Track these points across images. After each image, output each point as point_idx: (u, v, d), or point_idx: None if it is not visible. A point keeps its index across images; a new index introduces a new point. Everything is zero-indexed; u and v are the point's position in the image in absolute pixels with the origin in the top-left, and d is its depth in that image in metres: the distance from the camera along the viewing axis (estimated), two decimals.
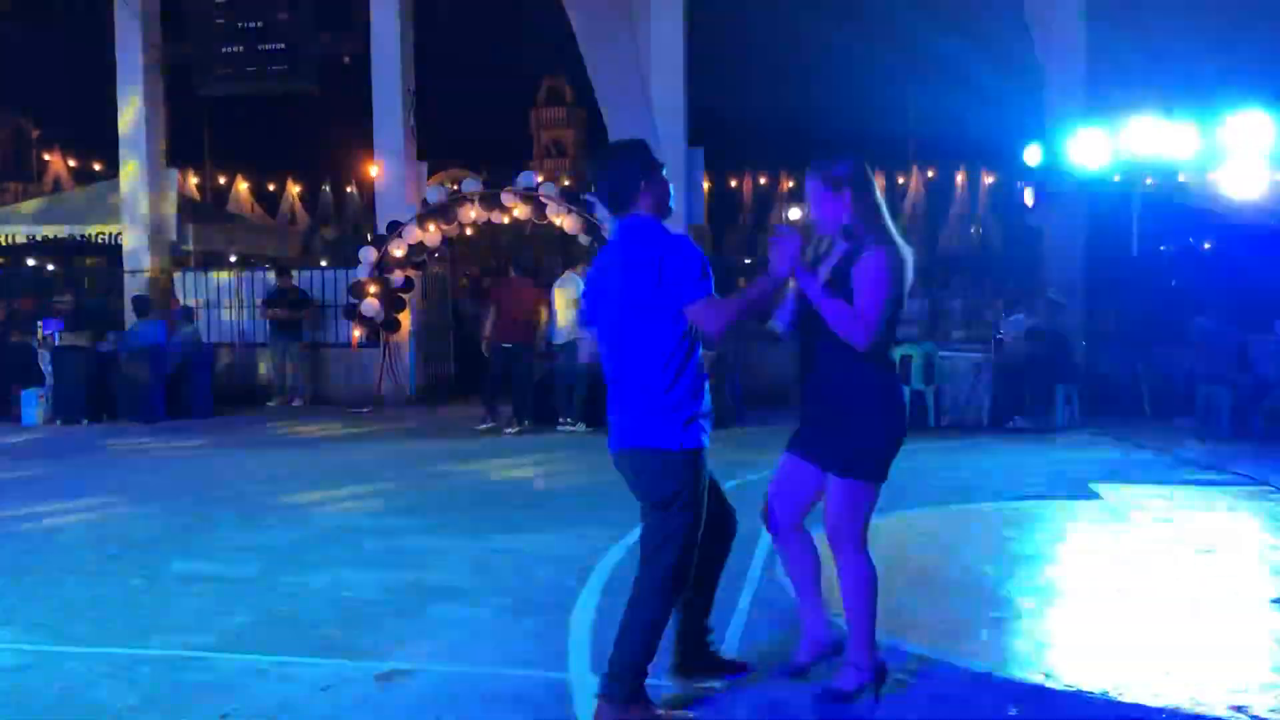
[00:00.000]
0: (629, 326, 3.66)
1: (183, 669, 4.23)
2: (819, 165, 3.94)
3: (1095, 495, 7.66)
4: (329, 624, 4.79)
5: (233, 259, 18.81)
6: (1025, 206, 14.72)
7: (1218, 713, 3.74)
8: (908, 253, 3.84)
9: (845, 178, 3.84)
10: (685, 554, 3.68)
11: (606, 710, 3.61)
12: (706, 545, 3.84)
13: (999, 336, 11.58)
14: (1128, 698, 3.87)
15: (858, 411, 3.78)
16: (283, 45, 15.52)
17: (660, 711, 3.67)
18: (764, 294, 3.77)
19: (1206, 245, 17.98)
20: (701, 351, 3.74)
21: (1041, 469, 8.77)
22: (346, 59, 15.88)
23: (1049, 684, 4.02)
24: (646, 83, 14.25)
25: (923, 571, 5.62)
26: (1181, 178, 14.77)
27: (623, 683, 3.60)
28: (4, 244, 17.67)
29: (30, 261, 20.11)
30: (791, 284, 3.89)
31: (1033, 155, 13.66)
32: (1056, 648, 4.46)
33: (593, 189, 3.93)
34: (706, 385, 3.73)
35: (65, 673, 4.20)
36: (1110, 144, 12.51)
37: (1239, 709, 3.77)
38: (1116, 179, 13.18)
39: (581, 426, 11.49)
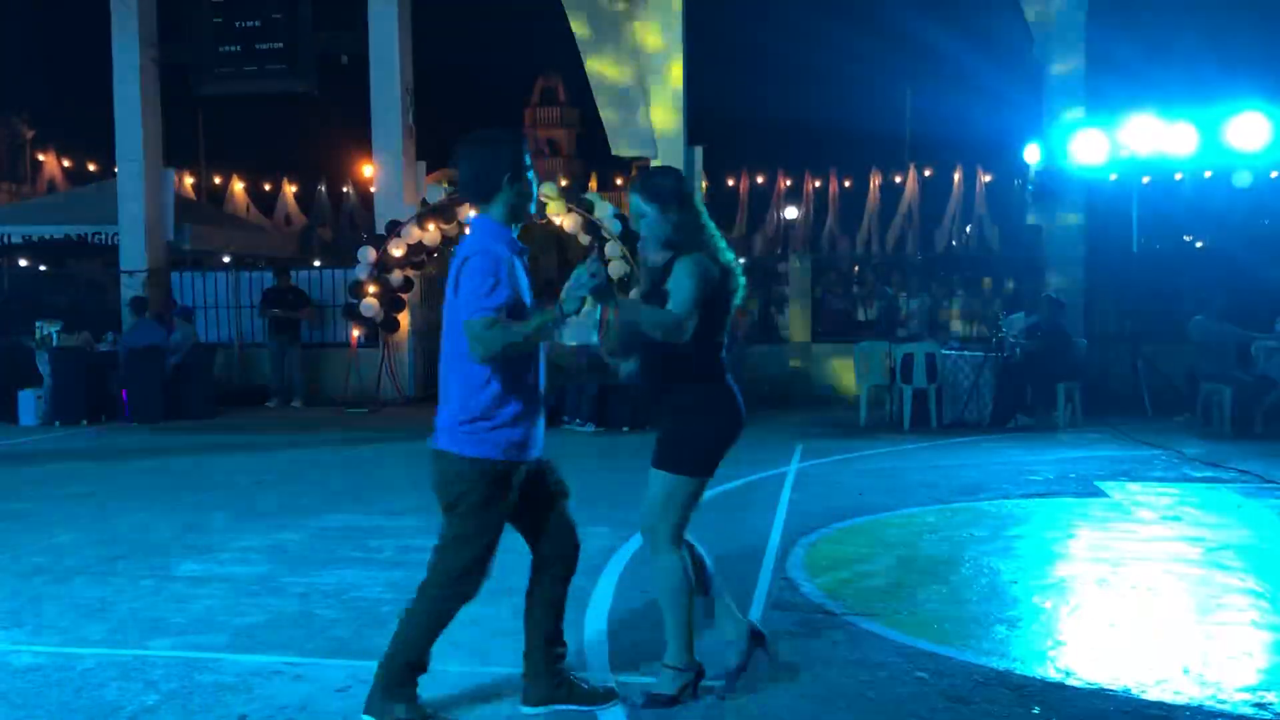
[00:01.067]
0: (447, 329, 3.59)
1: (197, 669, 4.19)
2: (638, 183, 4.00)
3: (1102, 493, 7.66)
4: (340, 624, 4.77)
5: (227, 259, 18.76)
6: (1024, 205, 14.73)
7: (1240, 709, 3.73)
8: (729, 262, 3.87)
9: (660, 194, 3.86)
10: (467, 561, 3.61)
11: (372, 708, 3.60)
12: (545, 566, 3.81)
13: (1000, 335, 11.57)
14: (1150, 695, 3.85)
15: (684, 412, 3.85)
16: (280, 45, 15.45)
17: (428, 713, 3.65)
18: (540, 331, 3.57)
19: (1199, 245, 18.03)
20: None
21: (1046, 467, 8.76)
22: (344, 59, 15.82)
23: (1070, 682, 4.00)
24: (645, 81, 14.22)
25: (934, 569, 5.60)
26: (1178, 176, 14.81)
27: (386, 679, 3.61)
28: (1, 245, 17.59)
29: (23, 262, 20.02)
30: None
31: (1032, 154, 13.67)
32: (1074, 645, 4.45)
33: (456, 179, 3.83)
34: (525, 400, 3.64)
35: (79, 673, 4.17)
36: (1109, 142, 12.52)
37: (1261, 705, 3.75)
38: (1113, 177, 13.21)
39: (590, 426, 11.46)
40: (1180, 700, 3.80)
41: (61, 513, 7.33)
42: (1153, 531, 6.50)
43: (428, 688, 3.98)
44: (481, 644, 4.49)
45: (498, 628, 4.69)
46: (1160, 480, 8.16)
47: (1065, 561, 5.85)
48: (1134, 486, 7.90)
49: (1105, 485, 7.92)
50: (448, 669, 4.17)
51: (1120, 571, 5.59)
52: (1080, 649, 4.40)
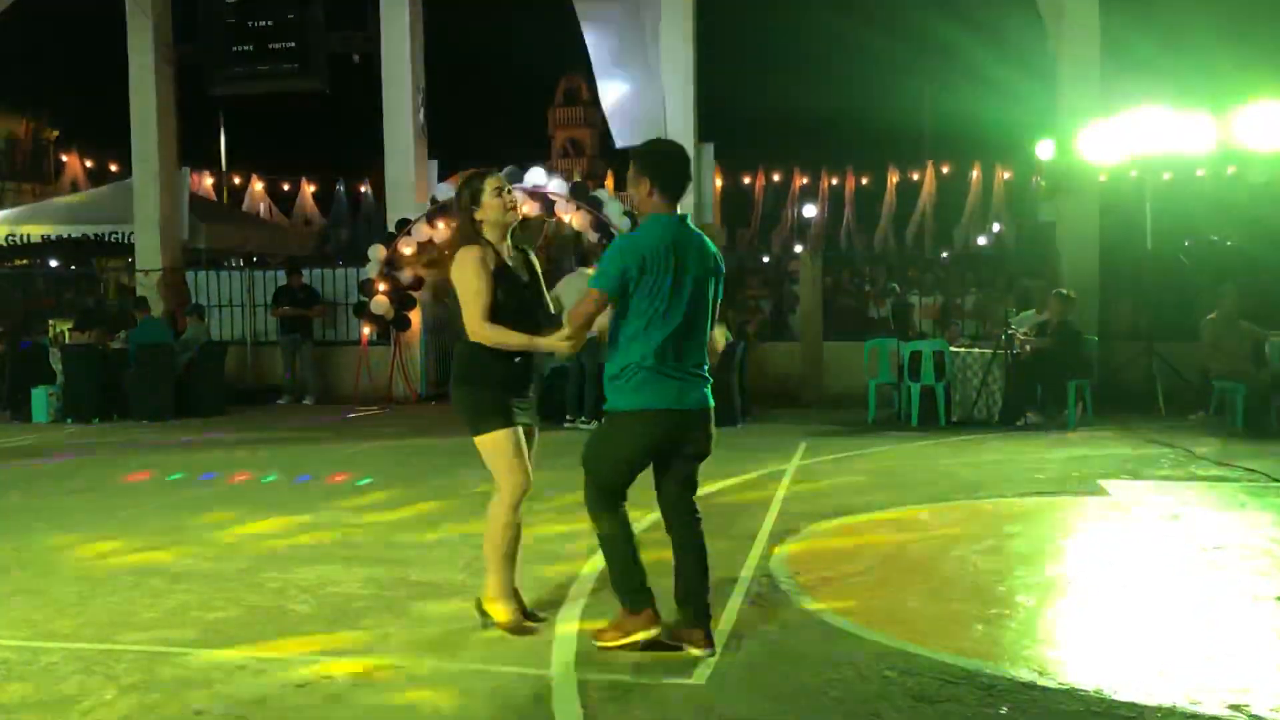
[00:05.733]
0: (705, 317, 4.32)
1: (161, 664, 4.17)
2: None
3: (1103, 492, 7.53)
4: (312, 619, 4.74)
5: (242, 259, 18.87)
6: (1038, 201, 14.56)
7: (1214, 711, 3.63)
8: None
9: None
10: None
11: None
12: None
13: (1011, 332, 11.41)
14: (1122, 695, 3.76)
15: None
16: (292, 44, 15.55)
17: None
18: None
19: (1230, 242, 17.73)
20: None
21: (1051, 466, 8.63)
22: (357, 58, 15.88)
23: (1041, 681, 3.91)
24: (657, 76, 14.16)
25: (917, 567, 5.52)
26: (1200, 173, 14.57)
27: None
28: (21, 244, 17.78)
29: (54, 263, 20.21)
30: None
31: (1045, 149, 13.49)
32: (1052, 645, 4.35)
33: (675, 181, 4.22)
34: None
35: (41, 667, 4.16)
36: (1124, 137, 12.34)
37: (1236, 707, 3.65)
38: (1132, 173, 13.02)
39: (595, 424, 11.39)
40: (1152, 701, 3.71)
41: (55, 509, 7.36)
42: (1150, 531, 6.38)
43: (390, 685, 3.96)
44: (448, 642, 4.46)
45: (465, 626, 4.66)
46: (1165, 479, 8.01)
47: (1055, 561, 5.74)
48: (1137, 485, 7.77)
49: (1108, 484, 7.78)
50: (409, 666, 4.15)
51: (1110, 571, 5.49)
52: (1057, 649, 4.30)
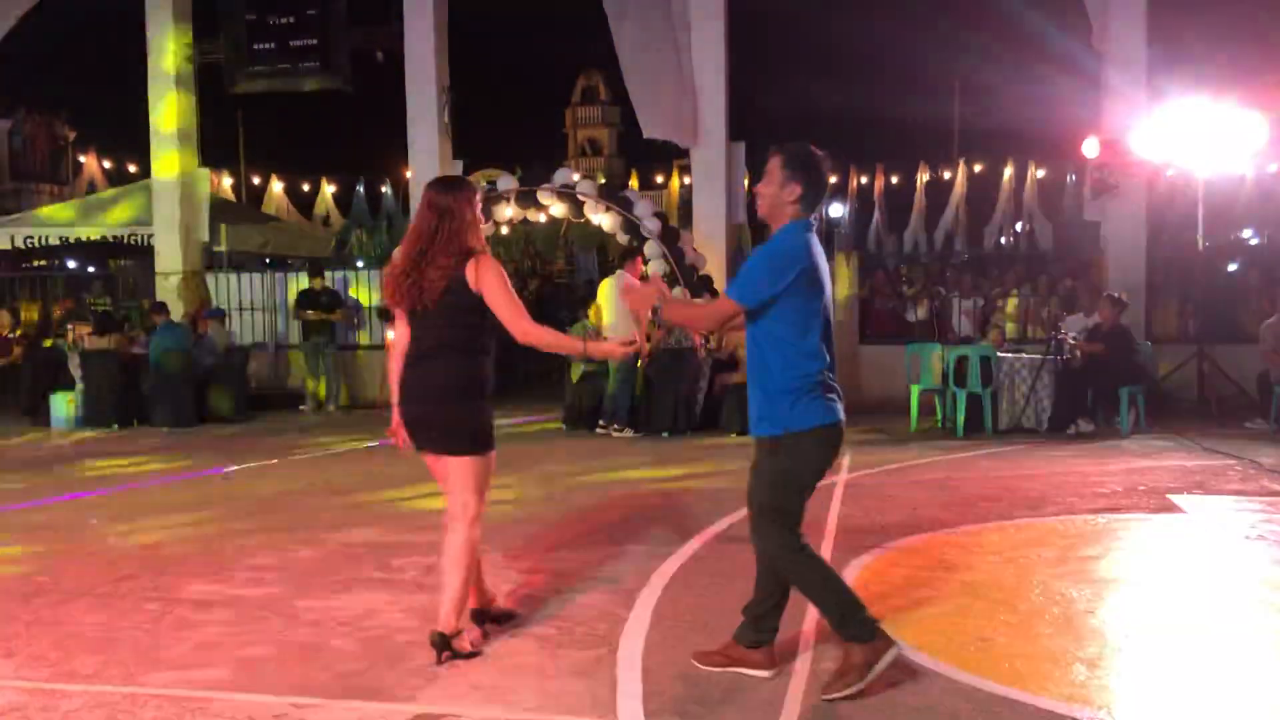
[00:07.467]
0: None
1: (191, 711, 3.82)
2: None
3: (1176, 508, 7.13)
4: (353, 657, 4.38)
5: (267, 260, 18.57)
6: (1079, 200, 14.14)
7: None
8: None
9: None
10: None
11: None
12: None
13: (1059, 337, 11.00)
14: None
15: None
16: (314, 42, 15.25)
17: None
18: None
19: (1252, 241, 17.27)
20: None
21: (1113, 478, 8.22)
22: (380, 55, 15.55)
23: None
24: (688, 71, 13.79)
25: (998, 595, 5.12)
26: (1246, 169, 14.10)
27: None
28: (39, 246, 17.52)
29: (71, 264, 19.96)
30: None
31: (1090, 146, 13.06)
32: (1165, 691, 3.96)
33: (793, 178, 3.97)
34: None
35: (60, 715, 3.80)
36: (1173, 133, 11.92)
37: None
38: (1179, 170, 12.60)
39: (629, 432, 11.05)
40: None
41: (72, 526, 7.03)
42: (1238, 554, 5.98)
43: None
44: (503, 685, 4.08)
45: (519, 665, 4.29)
46: (1239, 494, 7.60)
47: (1144, 588, 5.33)
48: (1211, 500, 7.36)
49: (1179, 499, 7.38)
50: (463, 714, 3.78)
51: (1207, 600, 5.08)
52: (1172, 696, 3.90)
